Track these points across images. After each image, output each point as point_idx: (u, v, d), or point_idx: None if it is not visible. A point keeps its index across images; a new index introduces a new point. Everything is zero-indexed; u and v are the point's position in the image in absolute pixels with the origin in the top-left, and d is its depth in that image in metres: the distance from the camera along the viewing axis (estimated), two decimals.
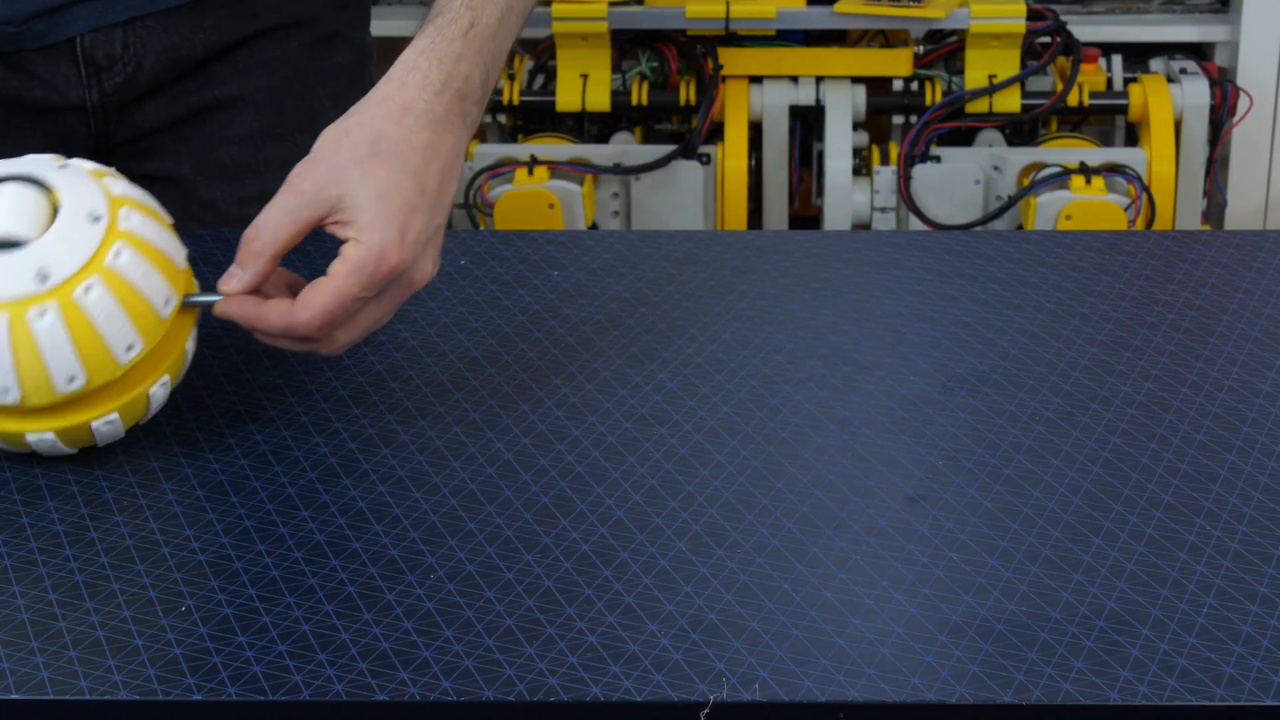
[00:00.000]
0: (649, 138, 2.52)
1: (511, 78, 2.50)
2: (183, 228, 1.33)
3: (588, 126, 2.53)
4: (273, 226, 0.94)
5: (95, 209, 0.91)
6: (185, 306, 0.95)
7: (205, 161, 1.33)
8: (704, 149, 2.44)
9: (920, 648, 0.80)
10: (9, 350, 0.89)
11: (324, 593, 0.85)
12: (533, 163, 2.39)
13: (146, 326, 0.92)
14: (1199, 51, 2.55)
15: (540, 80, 2.52)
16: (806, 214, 2.58)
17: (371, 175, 0.93)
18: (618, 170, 2.43)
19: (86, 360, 0.90)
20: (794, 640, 0.81)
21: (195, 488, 0.94)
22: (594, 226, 2.44)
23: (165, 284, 0.93)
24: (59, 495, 0.93)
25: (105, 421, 0.93)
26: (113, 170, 0.96)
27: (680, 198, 2.45)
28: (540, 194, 2.37)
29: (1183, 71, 2.46)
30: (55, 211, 0.91)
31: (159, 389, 0.94)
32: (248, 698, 0.78)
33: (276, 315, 0.94)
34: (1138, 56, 2.54)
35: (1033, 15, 2.42)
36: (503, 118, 2.54)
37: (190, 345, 0.97)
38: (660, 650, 0.80)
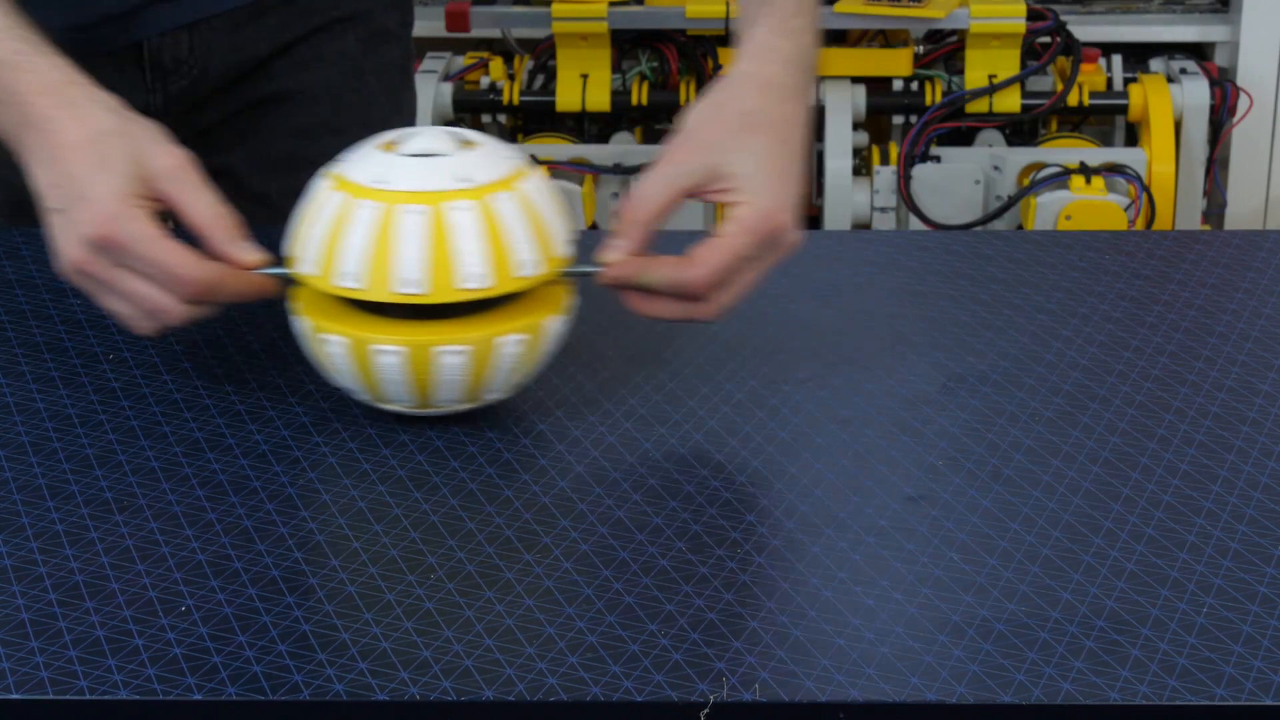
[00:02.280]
0: (649, 138, 2.52)
1: (511, 78, 2.50)
2: None
3: (588, 126, 2.53)
4: (653, 196, 0.98)
5: (508, 153, 0.99)
6: (566, 277, 0.99)
7: (260, 155, 1.33)
8: None
9: (920, 648, 0.80)
10: (426, 241, 0.94)
11: (324, 593, 0.85)
12: (533, 163, 2.39)
13: (545, 251, 0.97)
14: (1199, 51, 2.55)
15: (540, 80, 2.52)
16: (807, 214, 2.58)
17: (749, 144, 0.98)
18: (618, 170, 2.43)
19: (492, 260, 0.95)
20: (794, 640, 0.81)
21: (195, 488, 0.94)
22: (594, 226, 2.44)
23: (564, 225, 0.99)
24: (59, 495, 0.93)
25: (453, 351, 0.95)
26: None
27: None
28: None
29: (1183, 71, 2.46)
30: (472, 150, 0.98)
31: (514, 345, 0.97)
32: (248, 698, 0.78)
33: (670, 269, 0.97)
34: (1138, 56, 2.54)
35: (1033, 15, 2.42)
36: (503, 118, 2.54)
37: (557, 325, 0.99)
38: (660, 650, 0.80)
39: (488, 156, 0.97)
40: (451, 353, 0.95)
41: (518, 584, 0.85)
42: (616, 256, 0.99)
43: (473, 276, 0.94)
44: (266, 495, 0.93)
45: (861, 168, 2.47)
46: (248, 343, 1.09)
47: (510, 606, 0.83)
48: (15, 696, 0.78)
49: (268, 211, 1.33)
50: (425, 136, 0.98)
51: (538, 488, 0.94)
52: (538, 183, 0.98)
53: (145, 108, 1.28)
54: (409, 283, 0.94)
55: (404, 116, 1.40)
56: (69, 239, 0.97)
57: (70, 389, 1.04)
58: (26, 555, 0.88)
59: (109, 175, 0.96)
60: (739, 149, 0.98)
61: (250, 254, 0.98)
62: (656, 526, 0.90)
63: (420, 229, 0.94)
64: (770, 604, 0.83)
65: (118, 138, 0.97)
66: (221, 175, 1.32)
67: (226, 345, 1.09)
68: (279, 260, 0.99)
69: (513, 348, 0.96)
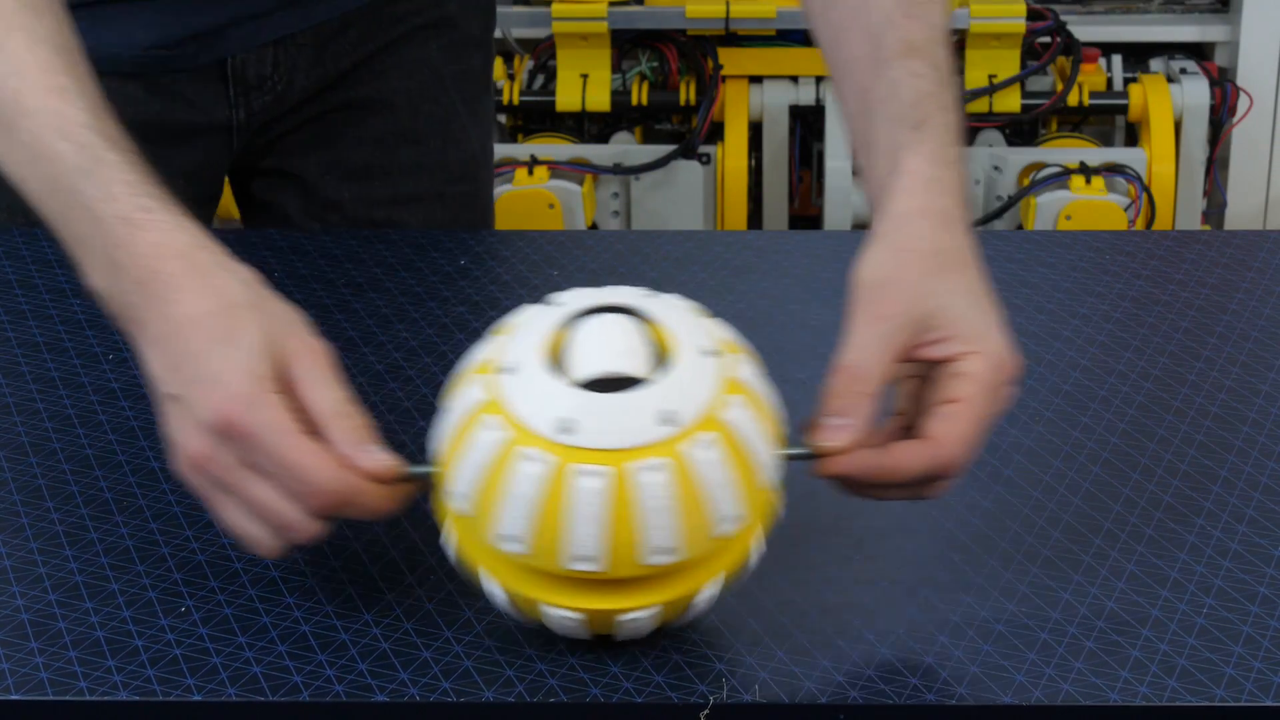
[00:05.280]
0: (649, 138, 2.52)
1: (511, 78, 2.50)
2: (303, 226, 1.33)
3: (588, 126, 2.53)
4: (872, 359, 0.81)
5: (706, 345, 0.79)
6: (785, 460, 0.81)
7: (335, 162, 1.31)
8: (704, 149, 2.44)
9: (920, 648, 0.80)
10: (606, 512, 0.75)
11: (324, 593, 0.85)
12: (533, 163, 2.39)
13: (751, 495, 0.78)
14: (1199, 51, 2.55)
15: (540, 80, 2.52)
16: (806, 214, 2.58)
17: (955, 285, 0.84)
18: (618, 170, 2.43)
19: (687, 529, 0.76)
20: (794, 641, 0.81)
21: None
22: (594, 226, 2.44)
23: (770, 445, 0.79)
24: (59, 495, 0.93)
25: (641, 614, 0.78)
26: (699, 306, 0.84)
27: (680, 198, 2.45)
28: (540, 194, 2.37)
29: (1183, 71, 2.46)
30: (662, 351, 0.79)
31: (710, 589, 0.79)
32: (248, 698, 0.78)
33: (915, 460, 0.81)
34: (1138, 56, 2.54)
35: (1033, 15, 2.42)
36: (503, 118, 2.54)
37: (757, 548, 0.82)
38: (660, 651, 0.80)
39: (689, 367, 0.77)
40: (635, 617, 0.78)
41: None
42: (847, 439, 0.80)
43: (661, 551, 0.76)
44: None
45: None
46: None
47: None
48: (15, 697, 0.78)
49: (340, 218, 1.32)
50: (604, 333, 0.79)
51: None
52: (743, 400, 0.78)
53: (228, 123, 1.27)
54: (583, 559, 0.76)
55: (482, 125, 1.38)
56: (186, 428, 0.80)
57: (70, 389, 1.04)
58: (26, 555, 0.88)
59: (237, 352, 0.80)
60: (946, 292, 0.83)
61: (378, 460, 0.80)
62: None
63: (600, 498, 0.75)
64: (770, 604, 0.83)
65: (249, 311, 0.81)
66: (294, 181, 1.32)
67: None
68: (409, 462, 0.82)
69: (709, 593, 0.79)
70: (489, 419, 0.77)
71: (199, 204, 1.32)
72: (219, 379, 0.79)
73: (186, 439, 0.80)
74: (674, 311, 0.81)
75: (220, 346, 0.80)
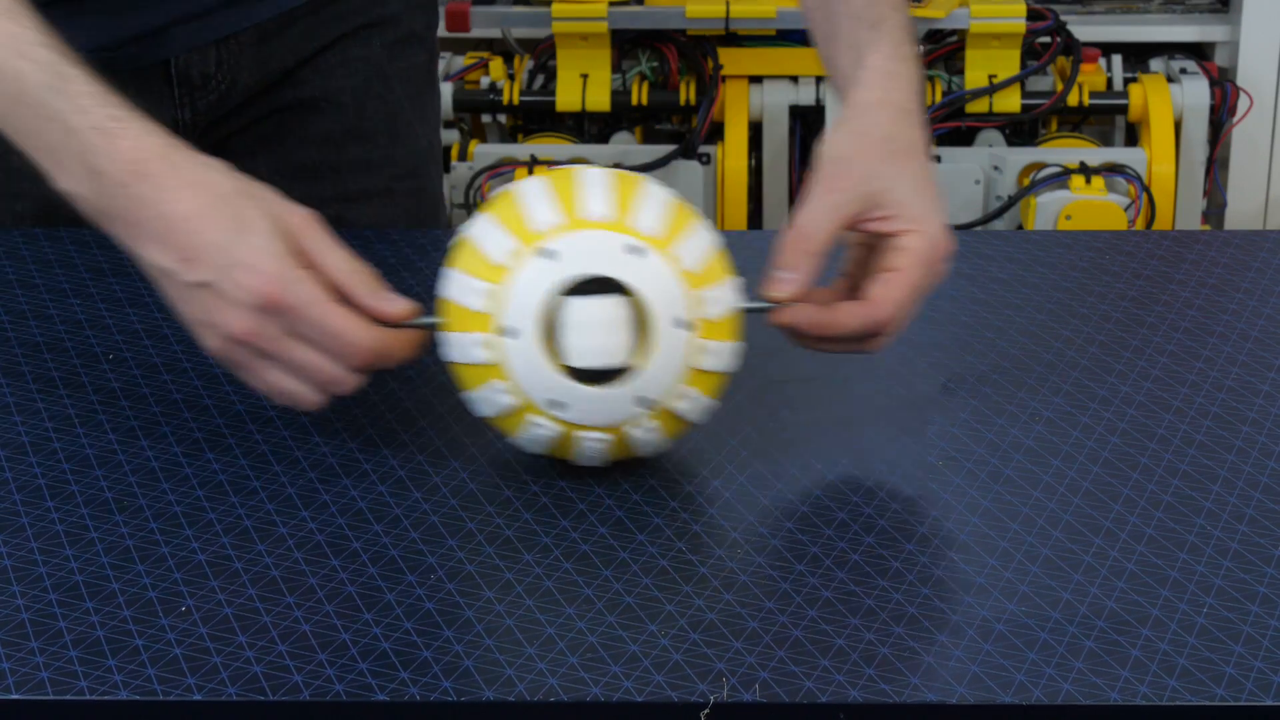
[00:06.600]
0: (649, 138, 2.52)
1: (511, 78, 2.50)
2: None
3: (588, 126, 2.53)
4: (821, 224, 0.94)
5: (679, 314, 0.90)
6: (739, 313, 0.93)
7: (283, 162, 1.32)
8: (704, 149, 2.44)
9: (920, 648, 0.80)
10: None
11: (324, 593, 0.85)
12: (533, 163, 2.39)
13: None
14: (1199, 51, 2.55)
15: (540, 80, 2.52)
16: None
17: (903, 170, 0.96)
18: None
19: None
20: (794, 640, 0.81)
21: (195, 487, 0.94)
22: None
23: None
24: (59, 495, 0.93)
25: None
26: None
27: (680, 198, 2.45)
28: None
29: (1183, 71, 2.46)
30: (642, 321, 0.90)
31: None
32: (248, 698, 0.78)
33: (852, 318, 0.94)
34: (1138, 56, 2.54)
35: (1033, 15, 2.42)
36: (503, 118, 2.55)
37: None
38: (660, 650, 0.80)
39: (664, 342, 0.90)
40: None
41: (518, 584, 0.85)
42: (790, 291, 0.93)
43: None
44: (266, 495, 0.93)
45: None
46: None
47: (510, 606, 0.83)
48: (15, 697, 0.78)
49: None
50: (592, 320, 0.89)
51: (537, 488, 0.94)
52: (712, 343, 0.91)
53: (174, 124, 1.27)
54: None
55: (428, 120, 1.39)
56: (224, 309, 0.89)
57: (70, 389, 1.04)
58: (26, 555, 0.88)
59: (257, 238, 0.89)
60: (895, 175, 0.95)
61: (399, 305, 0.92)
62: (657, 527, 0.90)
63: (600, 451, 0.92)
64: (770, 604, 0.83)
65: (244, 199, 0.91)
66: None
67: None
68: (423, 309, 0.93)
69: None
70: (496, 384, 0.91)
71: None
72: (252, 264, 0.89)
73: (227, 319, 0.90)
74: (655, 277, 0.90)
75: (239, 235, 0.90)
